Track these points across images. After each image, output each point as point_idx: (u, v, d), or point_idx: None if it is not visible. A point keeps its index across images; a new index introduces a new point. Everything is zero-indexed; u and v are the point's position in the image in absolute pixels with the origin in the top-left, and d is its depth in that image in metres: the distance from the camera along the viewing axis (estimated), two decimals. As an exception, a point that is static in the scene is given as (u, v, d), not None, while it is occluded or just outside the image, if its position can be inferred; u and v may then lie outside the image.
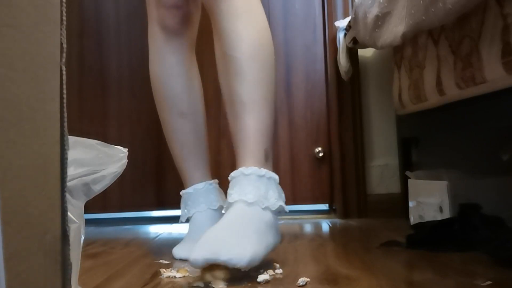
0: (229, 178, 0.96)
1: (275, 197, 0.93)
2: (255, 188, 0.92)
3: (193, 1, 1.19)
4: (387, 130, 1.75)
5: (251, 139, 0.97)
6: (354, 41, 1.51)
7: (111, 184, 0.59)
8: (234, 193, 0.92)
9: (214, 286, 0.81)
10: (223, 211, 0.96)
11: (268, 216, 0.92)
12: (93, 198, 0.58)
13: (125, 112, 1.83)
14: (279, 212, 0.95)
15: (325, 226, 1.56)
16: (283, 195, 0.97)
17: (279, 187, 0.97)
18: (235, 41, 0.99)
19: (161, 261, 1.05)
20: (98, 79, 1.85)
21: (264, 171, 0.94)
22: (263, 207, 0.91)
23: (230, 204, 0.92)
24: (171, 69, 1.19)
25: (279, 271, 0.90)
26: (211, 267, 0.82)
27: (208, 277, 0.82)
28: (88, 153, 0.57)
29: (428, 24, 0.99)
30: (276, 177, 0.96)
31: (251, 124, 0.97)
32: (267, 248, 0.90)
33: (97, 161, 0.57)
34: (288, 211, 0.97)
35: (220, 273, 0.82)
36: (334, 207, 1.78)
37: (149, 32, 1.20)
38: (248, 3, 1.02)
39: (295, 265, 0.96)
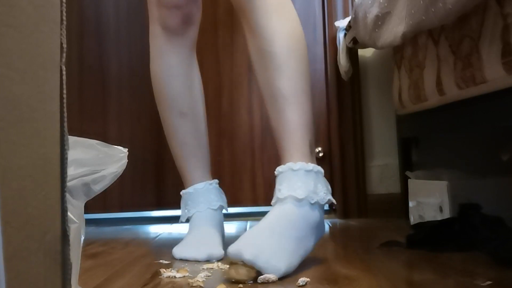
0: (275, 172, 0.97)
1: (323, 191, 0.95)
2: (304, 183, 0.92)
3: (194, 2, 1.19)
4: (387, 130, 1.75)
5: (296, 133, 0.97)
6: (354, 41, 1.51)
7: (111, 184, 0.59)
8: (283, 188, 0.93)
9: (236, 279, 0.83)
10: (272, 204, 0.96)
11: (316, 213, 0.94)
12: (93, 198, 0.58)
13: (125, 112, 1.83)
14: (327, 204, 0.97)
15: (325, 226, 1.56)
16: (329, 187, 0.98)
17: (325, 179, 0.98)
18: (272, 36, 0.99)
19: (161, 261, 1.05)
20: (98, 79, 1.85)
21: (311, 165, 0.95)
22: (313, 202, 0.92)
23: (279, 200, 0.93)
24: (172, 69, 1.19)
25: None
26: (236, 266, 0.84)
27: (233, 273, 0.84)
28: (88, 153, 0.57)
29: (428, 24, 0.99)
30: (322, 170, 0.97)
31: (294, 117, 0.98)
32: (304, 254, 0.91)
33: (97, 161, 0.57)
34: (335, 203, 0.99)
35: (245, 273, 0.83)
36: (334, 207, 1.78)
37: (150, 32, 1.20)
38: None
39: (295, 265, 0.96)
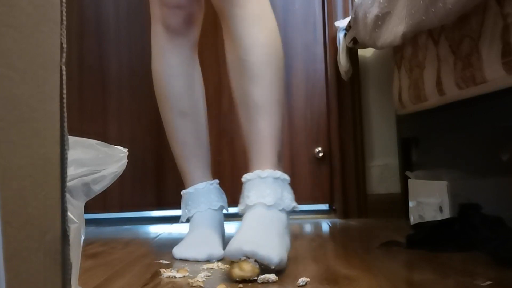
0: (243, 179, 0.99)
1: (289, 198, 0.98)
2: (273, 190, 0.95)
3: (197, 2, 1.19)
4: (387, 130, 1.75)
5: (266, 142, 1.00)
6: (354, 41, 1.51)
7: (111, 184, 0.59)
8: (252, 195, 0.95)
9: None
10: (239, 210, 0.99)
11: (284, 217, 0.97)
12: (93, 198, 0.58)
13: (125, 112, 1.83)
14: (291, 212, 0.99)
15: (325, 226, 1.56)
16: (293, 194, 1.00)
17: (290, 187, 1.00)
18: (250, 46, 1.01)
19: (161, 261, 1.05)
20: (98, 79, 1.85)
21: (279, 173, 0.98)
22: (280, 208, 0.95)
23: (249, 207, 0.95)
24: (173, 69, 1.19)
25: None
26: (238, 264, 0.85)
27: (236, 271, 0.84)
28: (88, 153, 0.57)
29: (428, 24, 0.99)
30: (288, 178, 1.00)
31: (266, 127, 1.00)
32: (287, 250, 0.94)
33: (97, 161, 0.57)
34: (299, 210, 1.01)
35: (250, 269, 0.84)
36: (334, 207, 1.78)
37: (152, 32, 1.20)
38: (261, 8, 1.04)
39: (295, 265, 0.96)
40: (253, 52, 1.01)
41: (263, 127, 1.00)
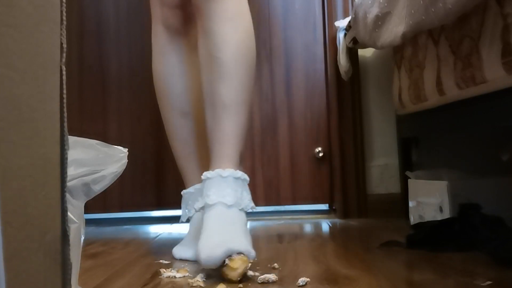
0: (202, 177, 0.99)
1: (248, 199, 0.98)
2: (233, 190, 0.95)
3: None
4: (387, 130, 1.75)
5: (229, 142, 1.00)
6: (354, 41, 1.51)
7: (111, 184, 0.59)
8: (212, 194, 0.95)
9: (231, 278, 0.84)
10: (195, 208, 1.02)
11: (244, 217, 0.97)
12: (93, 198, 0.58)
13: (125, 112, 1.83)
14: (249, 212, 1.00)
15: (325, 226, 1.56)
16: (251, 195, 1.01)
17: (248, 187, 1.00)
18: (223, 43, 1.00)
19: (161, 261, 1.05)
20: (98, 79, 1.85)
21: (240, 173, 0.98)
22: (240, 208, 0.95)
23: (208, 206, 0.95)
24: (173, 68, 1.19)
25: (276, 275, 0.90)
26: (226, 267, 0.85)
27: (231, 273, 0.84)
28: (88, 153, 0.57)
29: (428, 24, 0.99)
30: (248, 178, 1.00)
31: (230, 126, 1.00)
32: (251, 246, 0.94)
33: (97, 161, 0.57)
34: (255, 209, 1.01)
35: (239, 262, 0.84)
36: (334, 207, 1.78)
37: (153, 32, 1.20)
38: (238, 6, 1.04)
39: (295, 265, 0.96)
40: (225, 49, 1.00)
41: (227, 126, 1.00)
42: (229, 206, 0.94)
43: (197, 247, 0.88)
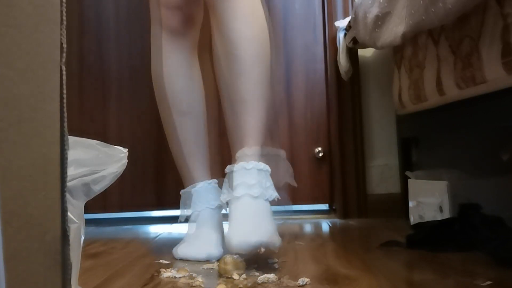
0: (226, 170, 1.02)
1: (272, 189, 1.01)
2: (258, 182, 0.98)
3: (196, 2, 1.19)
4: (387, 130, 1.75)
5: (250, 136, 1.03)
6: (354, 41, 1.51)
7: (111, 184, 0.59)
8: (238, 187, 0.97)
9: (234, 277, 0.86)
10: (221, 200, 1.03)
11: (269, 206, 0.99)
12: (93, 198, 0.58)
13: (125, 112, 1.83)
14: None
15: (325, 226, 1.56)
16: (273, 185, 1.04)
17: (270, 178, 1.03)
18: (239, 39, 1.02)
19: (161, 261, 1.05)
20: (98, 79, 1.85)
21: (262, 164, 1.00)
22: (265, 199, 0.98)
23: (236, 198, 0.97)
24: (173, 69, 1.19)
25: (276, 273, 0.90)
26: (226, 260, 0.89)
27: (229, 267, 0.88)
28: (88, 153, 0.57)
29: (428, 24, 0.99)
30: (269, 169, 1.03)
31: (251, 121, 1.03)
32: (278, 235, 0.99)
33: (97, 161, 0.57)
34: (279, 198, 1.03)
35: (239, 264, 0.89)
36: (334, 207, 1.78)
37: (152, 32, 1.21)
38: (251, 3, 1.06)
39: (295, 265, 0.96)
40: (242, 46, 1.02)
41: (247, 121, 1.03)
42: (255, 198, 0.96)
43: (227, 234, 0.94)
